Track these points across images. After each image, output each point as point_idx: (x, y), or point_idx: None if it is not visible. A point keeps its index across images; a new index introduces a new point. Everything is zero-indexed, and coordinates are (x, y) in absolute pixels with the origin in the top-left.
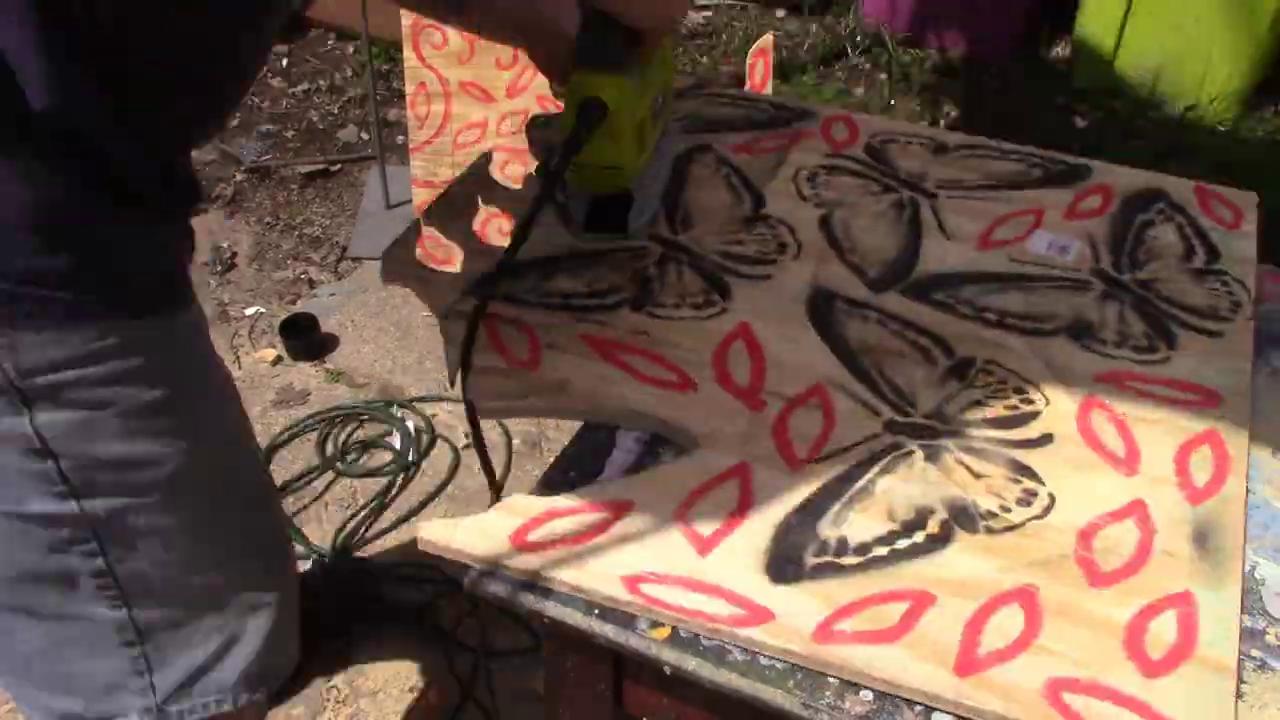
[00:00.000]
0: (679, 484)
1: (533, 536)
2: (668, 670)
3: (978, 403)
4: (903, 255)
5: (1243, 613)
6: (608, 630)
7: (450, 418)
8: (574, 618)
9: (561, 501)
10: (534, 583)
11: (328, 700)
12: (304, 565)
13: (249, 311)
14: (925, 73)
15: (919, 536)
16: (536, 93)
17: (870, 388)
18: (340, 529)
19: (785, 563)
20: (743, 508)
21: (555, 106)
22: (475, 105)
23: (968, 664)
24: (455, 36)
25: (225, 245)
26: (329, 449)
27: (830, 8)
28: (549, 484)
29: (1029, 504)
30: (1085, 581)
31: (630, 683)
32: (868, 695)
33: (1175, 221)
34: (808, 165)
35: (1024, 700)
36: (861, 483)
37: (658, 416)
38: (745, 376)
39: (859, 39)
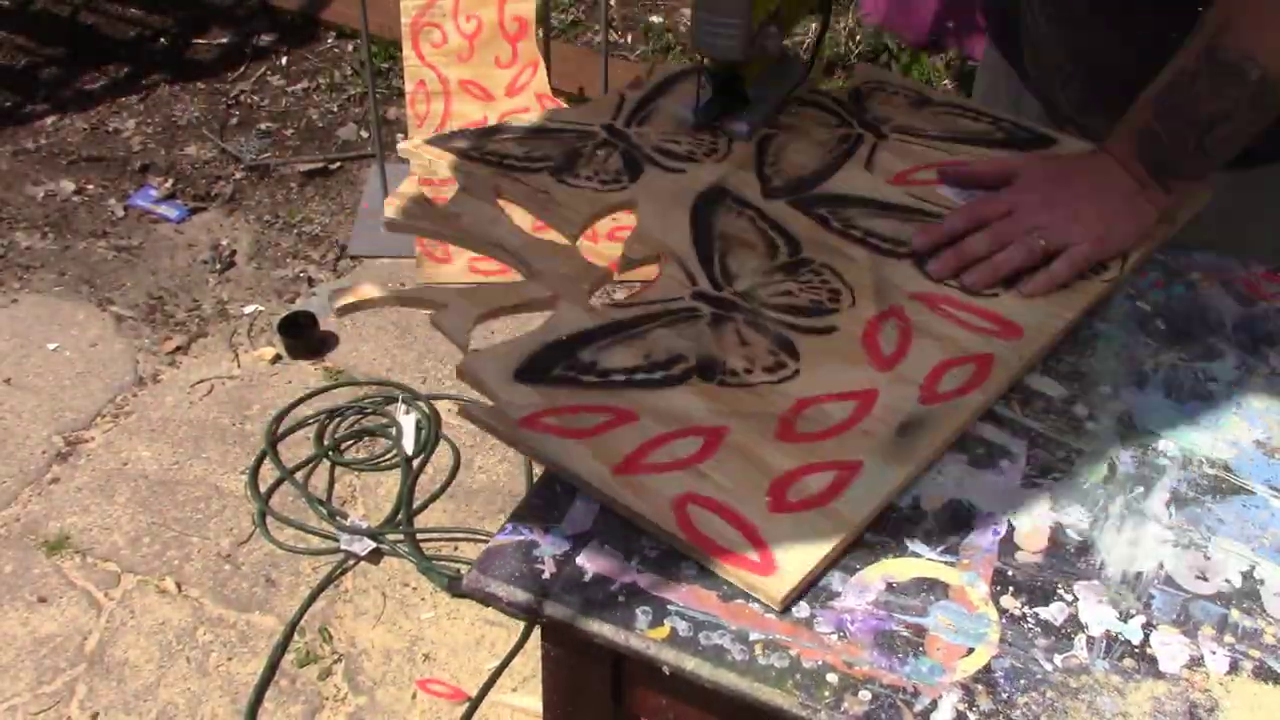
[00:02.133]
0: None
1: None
2: (666, 670)
3: (788, 292)
4: (813, 176)
5: (1239, 613)
6: (606, 630)
7: (451, 416)
8: (572, 617)
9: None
10: (533, 582)
11: (326, 699)
12: (369, 545)
13: (248, 310)
14: (925, 72)
15: (658, 374)
16: (535, 91)
17: (704, 264)
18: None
19: (534, 369)
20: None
21: (554, 105)
22: (474, 104)
23: (627, 466)
24: (455, 35)
25: (224, 243)
26: (327, 441)
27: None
28: (547, 482)
29: (773, 372)
30: (775, 434)
31: (629, 683)
32: (866, 695)
33: None
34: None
35: (653, 502)
36: (639, 330)
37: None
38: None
39: (858, 38)
